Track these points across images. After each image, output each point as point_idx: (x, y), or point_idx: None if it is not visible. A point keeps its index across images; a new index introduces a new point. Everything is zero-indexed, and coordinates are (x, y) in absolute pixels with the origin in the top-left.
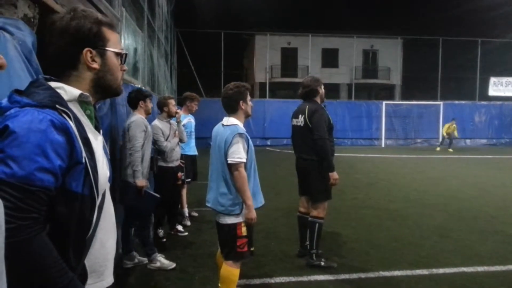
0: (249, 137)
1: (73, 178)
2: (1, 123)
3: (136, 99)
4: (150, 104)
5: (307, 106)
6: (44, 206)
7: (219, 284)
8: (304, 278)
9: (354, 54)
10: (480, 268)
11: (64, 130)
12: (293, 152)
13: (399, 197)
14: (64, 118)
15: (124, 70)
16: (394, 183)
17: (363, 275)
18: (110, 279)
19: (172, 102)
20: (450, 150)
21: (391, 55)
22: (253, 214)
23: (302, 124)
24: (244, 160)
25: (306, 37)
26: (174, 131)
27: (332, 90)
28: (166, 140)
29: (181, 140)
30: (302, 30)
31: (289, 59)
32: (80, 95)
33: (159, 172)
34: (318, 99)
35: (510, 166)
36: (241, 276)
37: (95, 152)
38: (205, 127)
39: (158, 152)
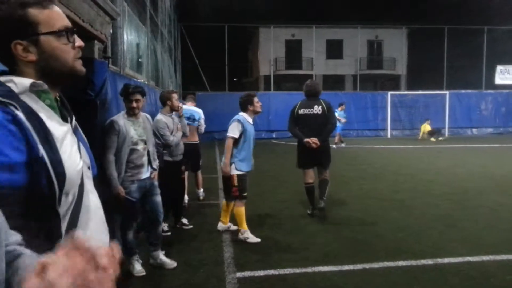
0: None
1: (39, 173)
2: None
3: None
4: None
5: (321, 100)
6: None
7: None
8: (309, 270)
9: (359, 44)
10: (486, 257)
11: (14, 121)
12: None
13: (404, 187)
14: (10, 109)
15: (79, 47)
16: (399, 174)
17: (367, 266)
18: None
19: (175, 96)
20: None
21: (396, 45)
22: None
23: (320, 113)
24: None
25: (310, 28)
26: (177, 125)
27: (337, 82)
28: (171, 134)
29: (183, 134)
30: (306, 21)
31: (293, 51)
32: (32, 84)
33: (165, 166)
34: None
35: None
36: (245, 268)
37: (58, 143)
38: (210, 121)
39: (164, 146)
